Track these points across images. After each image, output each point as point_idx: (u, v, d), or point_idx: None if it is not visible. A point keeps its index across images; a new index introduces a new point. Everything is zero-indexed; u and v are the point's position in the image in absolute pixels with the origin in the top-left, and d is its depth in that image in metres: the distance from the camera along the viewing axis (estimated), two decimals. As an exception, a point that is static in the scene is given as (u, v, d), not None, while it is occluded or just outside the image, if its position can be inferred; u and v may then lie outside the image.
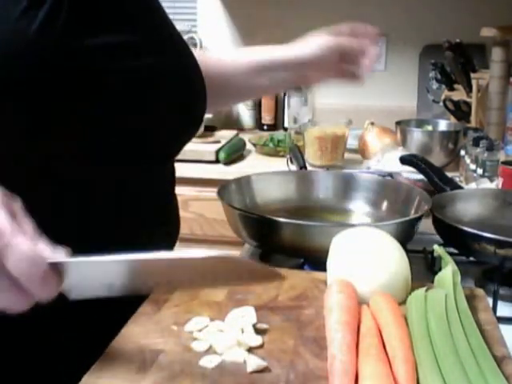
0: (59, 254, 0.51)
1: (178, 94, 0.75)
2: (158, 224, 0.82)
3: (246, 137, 2.09)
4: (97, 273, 0.54)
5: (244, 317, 0.67)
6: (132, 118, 0.69)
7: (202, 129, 2.03)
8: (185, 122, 0.79)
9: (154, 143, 0.75)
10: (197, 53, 0.86)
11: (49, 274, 0.50)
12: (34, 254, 0.49)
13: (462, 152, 1.57)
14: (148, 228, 0.79)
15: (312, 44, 0.99)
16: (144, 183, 0.78)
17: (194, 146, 1.85)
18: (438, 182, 1.24)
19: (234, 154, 1.94)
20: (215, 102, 0.92)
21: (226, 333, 0.65)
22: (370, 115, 2.05)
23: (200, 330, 0.66)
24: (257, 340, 0.64)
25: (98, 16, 0.66)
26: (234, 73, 1.03)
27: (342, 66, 1.00)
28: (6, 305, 0.51)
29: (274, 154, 1.97)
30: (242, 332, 0.64)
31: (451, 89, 1.98)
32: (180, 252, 0.55)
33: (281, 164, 1.67)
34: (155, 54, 0.73)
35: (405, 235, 0.94)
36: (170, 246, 0.88)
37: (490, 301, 0.84)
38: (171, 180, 0.89)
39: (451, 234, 0.97)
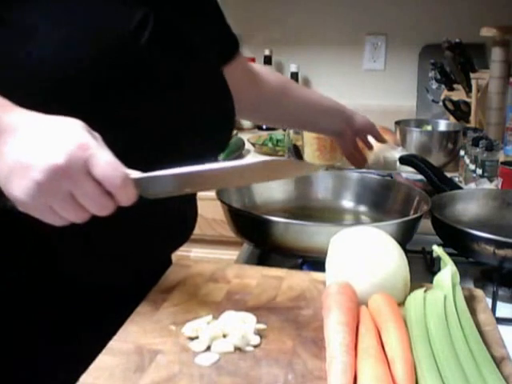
0: (134, 172, 0.61)
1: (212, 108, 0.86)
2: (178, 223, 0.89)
3: (245, 136, 2.08)
4: (166, 185, 0.64)
5: (246, 323, 0.67)
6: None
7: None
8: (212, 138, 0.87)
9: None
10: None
11: (128, 179, 0.59)
12: (115, 161, 0.58)
13: (462, 152, 1.57)
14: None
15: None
16: None
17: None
18: (437, 182, 1.24)
19: (233, 153, 1.93)
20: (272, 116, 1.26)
21: (226, 337, 0.65)
22: (370, 115, 2.04)
23: (198, 331, 0.65)
24: (255, 340, 0.64)
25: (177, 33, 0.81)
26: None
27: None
28: (94, 209, 0.59)
29: (273, 153, 1.96)
30: (243, 338, 0.64)
31: (451, 89, 1.97)
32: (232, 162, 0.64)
33: (280, 164, 1.66)
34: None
35: (404, 235, 0.94)
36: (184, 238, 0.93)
37: (489, 301, 0.84)
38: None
39: (450, 235, 0.97)
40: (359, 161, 1.41)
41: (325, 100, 1.31)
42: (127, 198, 0.60)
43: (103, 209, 0.59)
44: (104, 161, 0.57)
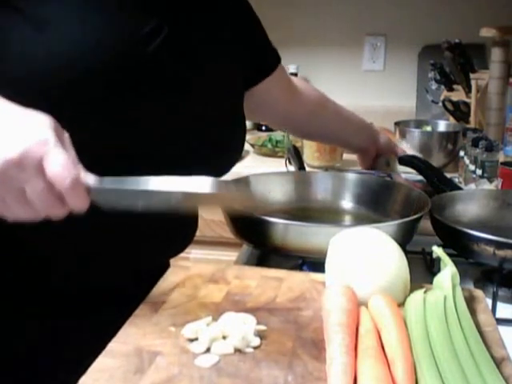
0: (90, 177, 0.59)
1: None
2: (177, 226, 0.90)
3: (244, 137, 2.08)
4: (119, 196, 0.62)
5: (245, 324, 0.67)
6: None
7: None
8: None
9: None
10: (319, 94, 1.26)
11: (80, 183, 0.58)
12: (69, 162, 0.57)
13: (461, 153, 1.57)
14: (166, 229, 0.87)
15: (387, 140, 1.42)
16: None
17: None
18: (437, 183, 1.24)
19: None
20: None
21: (226, 339, 0.64)
22: (369, 115, 2.04)
23: (198, 332, 0.65)
24: (255, 341, 0.64)
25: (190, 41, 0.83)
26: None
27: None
28: (42, 209, 0.58)
29: (273, 154, 1.96)
30: (243, 339, 0.64)
31: (450, 89, 1.97)
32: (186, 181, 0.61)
33: (279, 165, 1.66)
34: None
35: (404, 236, 0.93)
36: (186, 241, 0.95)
37: (490, 302, 0.84)
38: None
39: (450, 235, 0.97)
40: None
41: (355, 117, 1.35)
42: (78, 202, 0.59)
43: (52, 210, 0.59)
44: (57, 160, 0.56)
